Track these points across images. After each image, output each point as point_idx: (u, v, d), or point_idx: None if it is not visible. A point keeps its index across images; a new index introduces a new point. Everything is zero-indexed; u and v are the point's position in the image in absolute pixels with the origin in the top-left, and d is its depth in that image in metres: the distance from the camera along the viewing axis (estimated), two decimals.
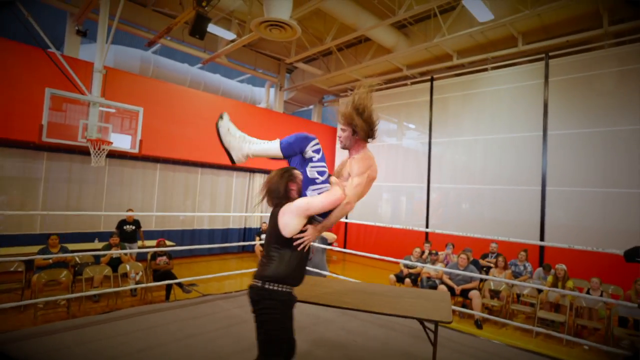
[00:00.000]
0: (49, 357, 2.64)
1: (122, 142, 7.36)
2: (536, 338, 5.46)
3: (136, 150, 7.26)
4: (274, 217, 2.08)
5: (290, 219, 1.97)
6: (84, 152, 6.87)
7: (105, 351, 2.78)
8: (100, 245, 7.04)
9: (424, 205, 10.00)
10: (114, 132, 7.25)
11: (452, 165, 9.64)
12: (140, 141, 7.48)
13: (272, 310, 1.83)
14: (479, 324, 5.74)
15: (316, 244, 4.94)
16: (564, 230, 7.60)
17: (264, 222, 10.22)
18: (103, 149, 6.34)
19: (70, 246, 6.55)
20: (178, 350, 2.88)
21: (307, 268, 4.87)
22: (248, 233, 11.16)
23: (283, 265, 1.93)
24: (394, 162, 10.89)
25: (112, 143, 6.46)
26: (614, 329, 5.16)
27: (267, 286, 1.87)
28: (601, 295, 5.15)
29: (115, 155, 8.20)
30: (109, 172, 8.47)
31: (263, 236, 9.69)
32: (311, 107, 13.73)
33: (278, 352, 1.81)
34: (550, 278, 6.02)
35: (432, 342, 2.58)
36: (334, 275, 5.85)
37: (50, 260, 5.56)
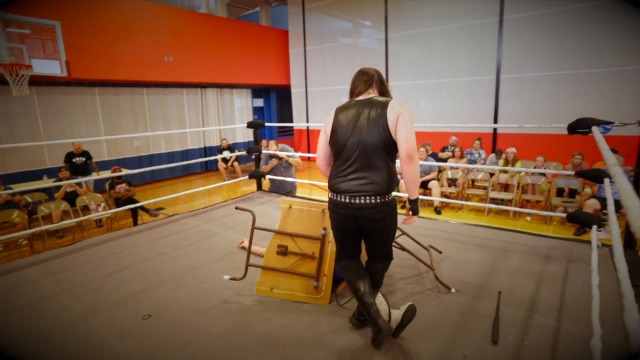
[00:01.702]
0: (17, 293, 2.59)
1: (46, 66, 6.45)
2: (488, 215, 6.07)
3: (64, 74, 6.42)
4: (381, 118, 1.75)
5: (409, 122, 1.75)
6: (1, 81, 5.99)
7: (75, 278, 2.76)
8: (50, 181, 6.64)
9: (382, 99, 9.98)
10: (37, 56, 6.29)
11: (410, 61, 9.41)
12: (67, 62, 6.58)
13: (393, 214, 1.88)
14: (438, 210, 6.23)
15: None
16: (515, 117, 7.96)
17: (224, 139, 9.91)
18: (23, 75, 5.54)
19: (16, 186, 6.13)
20: (151, 267, 2.91)
21: (286, 179, 4.91)
22: (209, 152, 10.88)
23: (392, 174, 1.82)
24: (351, 63, 10.47)
25: (31, 67, 5.64)
26: (552, 199, 5.81)
27: (386, 200, 1.80)
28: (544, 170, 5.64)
29: (42, 82, 7.27)
30: (39, 102, 7.60)
31: (225, 153, 9.56)
32: (257, 9, 12.41)
33: None
34: (501, 162, 6.47)
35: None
36: (310, 181, 5.96)
37: None
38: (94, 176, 6.89)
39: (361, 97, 1.90)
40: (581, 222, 3.02)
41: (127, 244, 3.44)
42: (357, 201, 1.78)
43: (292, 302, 2.33)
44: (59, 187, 5.83)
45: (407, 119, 1.74)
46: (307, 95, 11.76)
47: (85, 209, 5.89)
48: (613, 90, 6.90)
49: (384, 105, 1.79)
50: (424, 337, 1.95)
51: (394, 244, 2.52)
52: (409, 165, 1.72)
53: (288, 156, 4.88)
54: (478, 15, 8.15)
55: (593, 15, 6.87)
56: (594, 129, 2.68)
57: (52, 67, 6.25)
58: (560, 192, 6.01)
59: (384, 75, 2.00)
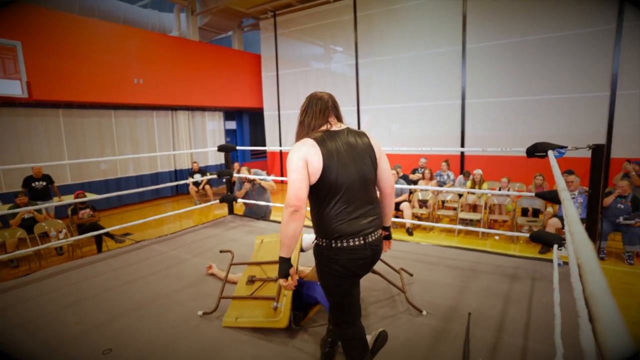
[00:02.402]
0: None
1: (5, 87, 6.20)
2: (458, 236, 6.22)
3: (25, 95, 6.18)
4: (369, 149, 1.71)
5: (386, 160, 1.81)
6: None
7: (28, 312, 2.57)
8: (4, 207, 6.24)
9: (355, 127, 10.20)
10: None
11: (380, 86, 9.73)
12: (28, 83, 6.36)
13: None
14: (409, 231, 6.33)
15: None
16: (480, 140, 8.32)
17: (195, 162, 9.75)
18: None
19: None
20: (114, 297, 2.76)
21: (259, 203, 4.83)
22: (180, 175, 10.64)
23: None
24: (323, 87, 10.69)
25: None
26: (517, 219, 6.05)
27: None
28: (508, 192, 5.89)
29: (1, 103, 6.94)
30: None
31: (196, 176, 9.37)
32: (230, 33, 12.56)
33: None
34: (469, 183, 6.70)
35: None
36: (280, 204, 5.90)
37: None
38: (56, 201, 6.55)
39: (335, 128, 1.70)
40: (543, 241, 3.16)
41: (88, 273, 3.26)
42: (372, 239, 1.66)
43: (262, 330, 2.26)
44: (15, 214, 5.48)
45: (383, 154, 1.80)
46: (279, 118, 11.85)
47: (45, 236, 5.56)
48: (568, 115, 7.39)
49: (365, 136, 1.76)
50: None
51: None
52: (393, 197, 1.88)
53: (261, 180, 4.86)
54: (442, 43, 8.60)
55: (550, 45, 7.42)
56: (550, 153, 2.84)
57: (11, 88, 6.01)
58: (525, 212, 6.28)
59: (338, 100, 1.83)
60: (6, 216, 5.67)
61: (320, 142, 1.61)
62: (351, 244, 1.60)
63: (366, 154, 1.69)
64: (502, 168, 7.74)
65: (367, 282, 2.86)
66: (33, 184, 6.42)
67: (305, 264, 2.77)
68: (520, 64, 7.77)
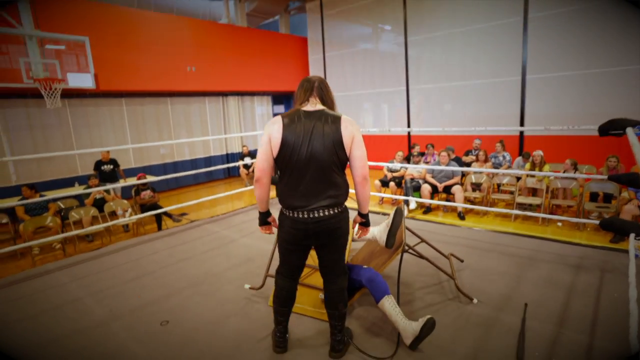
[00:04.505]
0: (45, 295, 2.68)
1: (76, 79, 6.75)
2: (515, 221, 5.81)
3: (93, 86, 6.70)
4: (335, 134, 1.69)
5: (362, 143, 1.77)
6: (36, 95, 6.30)
7: (99, 283, 2.84)
8: (80, 188, 6.90)
9: (405, 110, 9.85)
10: (69, 70, 6.62)
11: (430, 64, 9.24)
12: (96, 75, 6.87)
13: (347, 220, 1.85)
14: (461, 215, 6.04)
15: None
16: (542, 119, 7.64)
17: (244, 146, 10.05)
18: (55, 89, 5.82)
19: (49, 193, 6.41)
20: (170, 274, 2.95)
21: None
22: (231, 158, 11.05)
23: (346, 187, 1.81)
24: (370, 68, 10.41)
25: (63, 81, 5.92)
26: (585, 204, 5.49)
27: (342, 208, 1.80)
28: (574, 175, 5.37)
29: (74, 94, 7.61)
30: (71, 114, 7.95)
31: (246, 159, 9.68)
32: (277, 17, 12.57)
33: None
34: (528, 165, 6.21)
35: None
36: None
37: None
38: (121, 183, 7.12)
39: (309, 108, 1.76)
40: (616, 229, 2.83)
41: (148, 250, 3.52)
42: (317, 215, 1.71)
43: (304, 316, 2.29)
44: (89, 194, 6.06)
45: (360, 140, 1.74)
46: None
47: (113, 215, 6.09)
48: None
49: (337, 121, 1.71)
50: (443, 351, 1.87)
51: (411, 251, 2.44)
52: (364, 187, 1.78)
53: None
54: (500, 14, 7.90)
55: (621, 9, 6.52)
56: (628, 130, 2.51)
57: (82, 80, 6.54)
58: (594, 197, 5.68)
59: (325, 84, 1.87)
60: (81, 196, 6.29)
61: (288, 119, 1.72)
62: (295, 215, 1.74)
63: (329, 138, 1.68)
64: (567, 149, 7.06)
65: (414, 267, 2.78)
66: (102, 167, 7.02)
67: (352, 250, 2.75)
68: (589, 33, 6.92)
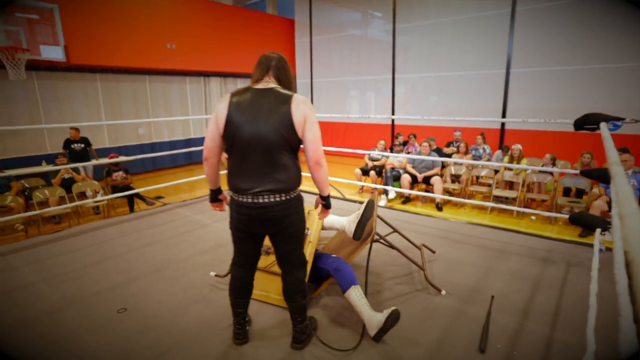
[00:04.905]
0: None
1: (45, 51, 6.37)
2: (490, 214, 5.89)
3: (63, 59, 6.34)
4: (285, 115, 1.56)
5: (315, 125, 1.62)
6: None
7: (55, 267, 2.70)
8: (48, 167, 6.59)
9: (390, 98, 9.79)
10: (35, 40, 6.22)
11: (417, 53, 9.16)
12: (66, 47, 6.50)
13: (299, 210, 1.72)
14: (439, 206, 6.07)
15: None
16: (524, 114, 7.69)
17: None
18: (19, 59, 5.47)
19: (13, 171, 6.10)
20: (134, 258, 2.83)
21: None
22: None
23: (297, 171, 1.68)
24: (358, 54, 10.26)
25: (28, 51, 5.57)
26: (558, 199, 5.60)
27: (292, 196, 1.66)
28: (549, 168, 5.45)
29: (43, 67, 7.19)
30: (40, 87, 7.53)
31: None
32: None
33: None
34: (506, 158, 6.26)
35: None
36: (305, 174, 5.83)
37: None
38: (92, 162, 6.84)
39: (260, 86, 1.65)
40: (585, 224, 2.86)
41: (114, 233, 3.37)
42: (260, 200, 1.61)
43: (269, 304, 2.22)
44: (56, 173, 5.78)
45: (313, 122, 1.61)
46: (312, 86, 11.57)
47: (83, 196, 5.85)
48: (629, 87, 6.62)
49: (288, 101, 1.59)
50: (407, 342, 1.84)
51: (382, 241, 2.40)
52: (319, 171, 1.66)
53: None
54: (489, 6, 7.86)
55: (610, 7, 6.57)
56: (602, 125, 2.51)
57: (50, 52, 6.17)
58: (567, 192, 5.80)
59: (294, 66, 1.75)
60: (49, 176, 6.00)
61: (236, 98, 1.63)
62: (240, 199, 1.65)
63: (276, 118, 1.57)
64: (546, 144, 7.16)
65: (386, 257, 2.75)
66: (72, 146, 6.71)
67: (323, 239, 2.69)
68: (576, 28, 6.96)
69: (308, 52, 11.38)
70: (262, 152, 1.58)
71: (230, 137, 1.61)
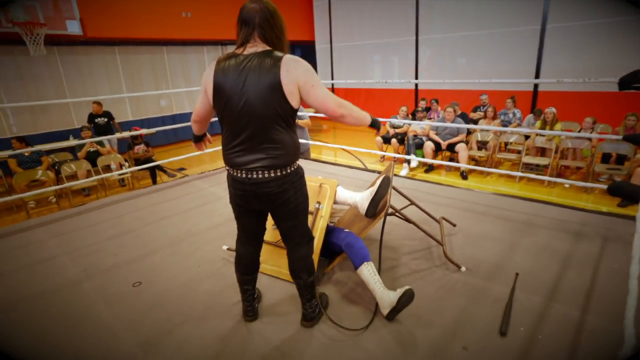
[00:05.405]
0: (19, 254, 2.62)
1: (61, 25, 6.36)
2: (519, 183, 5.59)
3: (80, 32, 6.32)
4: (273, 83, 1.39)
5: (316, 85, 1.46)
6: (20, 42, 5.96)
7: (76, 241, 2.77)
8: (75, 142, 6.77)
9: (414, 62, 9.28)
10: (51, 14, 6.21)
11: (443, 11, 8.53)
12: (81, 20, 6.46)
13: (298, 185, 1.59)
14: (464, 175, 5.82)
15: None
16: (560, 74, 7.11)
17: None
18: (37, 34, 5.48)
19: (43, 146, 6.30)
20: (151, 232, 2.86)
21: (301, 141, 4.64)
22: None
23: (293, 144, 1.53)
24: (379, 16, 9.69)
25: (45, 25, 5.56)
26: (596, 166, 5.21)
27: (288, 171, 1.53)
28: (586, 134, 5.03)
29: (63, 42, 7.23)
30: (62, 63, 7.62)
31: None
32: None
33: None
34: (538, 123, 5.85)
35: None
36: (324, 143, 5.72)
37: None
38: (116, 135, 6.97)
39: (248, 51, 1.45)
40: (625, 194, 2.62)
41: (132, 207, 3.42)
42: (255, 176, 1.50)
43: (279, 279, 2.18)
44: (82, 147, 5.93)
45: (311, 84, 1.43)
46: (331, 51, 11.14)
47: (108, 169, 6.00)
48: None
49: (276, 65, 1.39)
50: (422, 322, 1.75)
51: (397, 214, 2.28)
52: (347, 119, 1.54)
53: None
54: None
55: None
56: None
57: (67, 26, 6.15)
58: (606, 158, 5.37)
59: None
60: (75, 150, 6.18)
61: (220, 65, 1.48)
62: (234, 174, 1.56)
63: (264, 86, 1.40)
64: (583, 106, 6.63)
65: (403, 230, 2.64)
66: (96, 120, 6.83)
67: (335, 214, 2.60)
68: None
69: (327, 15, 10.88)
70: (253, 125, 1.45)
71: (220, 109, 1.50)
